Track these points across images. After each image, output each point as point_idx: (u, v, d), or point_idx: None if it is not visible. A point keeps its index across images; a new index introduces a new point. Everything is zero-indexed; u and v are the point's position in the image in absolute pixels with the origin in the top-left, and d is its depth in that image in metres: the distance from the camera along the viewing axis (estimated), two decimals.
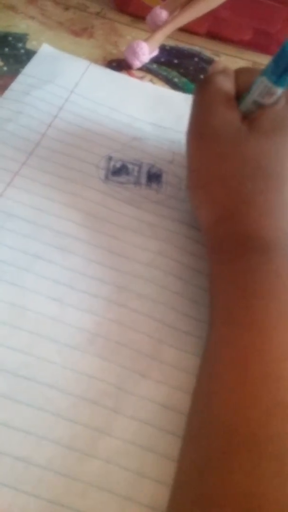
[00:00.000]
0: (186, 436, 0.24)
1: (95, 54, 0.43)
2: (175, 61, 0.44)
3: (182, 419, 0.25)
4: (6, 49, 0.40)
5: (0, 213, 0.30)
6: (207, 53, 0.46)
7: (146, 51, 0.41)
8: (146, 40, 0.41)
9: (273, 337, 0.23)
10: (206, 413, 0.23)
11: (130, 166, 0.35)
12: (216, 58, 0.46)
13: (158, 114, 0.39)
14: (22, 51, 0.41)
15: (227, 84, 0.29)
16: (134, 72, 0.42)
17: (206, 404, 0.23)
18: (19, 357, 0.26)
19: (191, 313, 0.29)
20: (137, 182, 0.34)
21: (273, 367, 0.22)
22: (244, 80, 0.29)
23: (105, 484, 0.23)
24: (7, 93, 0.37)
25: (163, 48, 0.44)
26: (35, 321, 0.27)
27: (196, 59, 0.45)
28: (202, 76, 0.43)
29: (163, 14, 0.41)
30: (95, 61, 0.42)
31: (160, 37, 0.41)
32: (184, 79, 0.43)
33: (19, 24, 0.43)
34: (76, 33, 0.44)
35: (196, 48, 0.46)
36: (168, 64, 0.44)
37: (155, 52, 0.43)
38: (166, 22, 0.41)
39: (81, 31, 0.44)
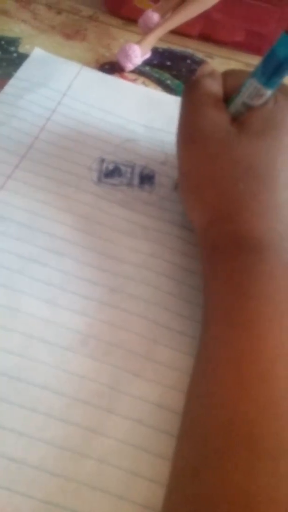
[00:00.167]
0: (180, 435, 0.24)
1: (88, 57, 0.43)
2: (168, 63, 0.45)
3: (176, 418, 0.25)
4: None
5: None
6: (200, 55, 0.46)
7: (138, 54, 0.41)
8: (138, 42, 0.41)
9: (267, 337, 0.23)
10: (200, 412, 0.23)
11: (122, 168, 0.35)
12: (208, 60, 0.46)
13: (151, 116, 0.39)
14: (15, 55, 0.41)
15: (215, 87, 0.29)
16: (126, 74, 0.42)
17: (200, 403, 0.24)
18: (12, 358, 0.26)
19: (185, 313, 0.30)
20: (130, 184, 0.34)
21: (267, 367, 0.22)
22: (232, 82, 0.29)
23: (99, 483, 0.24)
24: (0, 96, 0.37)
25: (155, 51, 0.44)
26: (28, 323, 0.27)
27: (188, 61, 0.45)
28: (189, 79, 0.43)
29: (155, 17, 0.41)
30: (88, 64, 0.42)
31: (153, 40, 0.41)
32: (176, 81, 0.43)
33: (12, 28, 0.43)
34: (69, 37, 0.44)
35: (188, 50, 0.46)
36: (161, 66, 0.44)
37: (148, 55, 0.43)
38: (158, 25, 0.41)
39: (74, 34, 0.44)
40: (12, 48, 0.41)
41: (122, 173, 0.35)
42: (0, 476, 0.23)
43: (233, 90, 0.28)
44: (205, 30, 0.47)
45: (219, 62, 0.46)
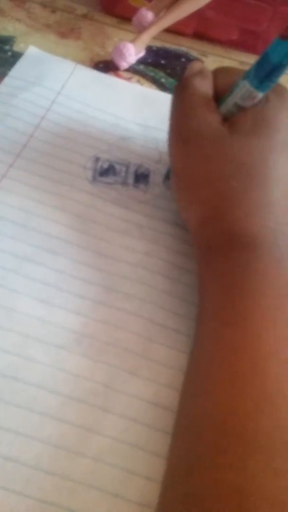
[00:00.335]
0: (175, 433, 0.24)
1: (82, 55, 0.43)
2: (162, 61, 0.45)
3: (171, 416, 0.25)
4: None
5: None
6: (194, 54, 0.46)
7: (132, 52, 0.41)
8: (132, 41, 0.41)
9: (261, 334, 0.23)
10: (195, 410, 0.23)
11: (117, 167, 0.35)
12: (202, 58, 0.46)
13: (145, 114, 0.39)
14: (9, 53, 0.41)
15: (205, 87, 0.29)
16: (121, 73, 0.42)
17: (195, 401, 0.24)
18: (7, 357, 0.26)
19: (180, 311, 0.30)
20: (124, 183, 0.34)
21: (260, 364, 0.22)
22: (223, 80, 0.29)
23: (95, 482, 0.24)
24: None
25: (149, 49, 0.44)
26: (23, 322, 0.27)
27: (183, 59, 0.45)
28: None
29: (149, 15, 0.41)
30: (83, 62, 0.42)
31: (147, 38, 0.41)
32: (171, 80, 0.43)
33: (6, 27, 0.43)
34: (63, 35, 0.44)
35: (182, 48, 0.46)
36: (155, 64, 0.44)
37: (142, 53, 0.43)
38: (152, 23, 0.41)
39: (68, 33, 0.44)
40: (7, 47, 0.41)
41: (116, 172, 0.35)
42: None
43: (224, 88, 0.28)
44: (199, 28, 0.47)
45: (213, 60, 0.46)
